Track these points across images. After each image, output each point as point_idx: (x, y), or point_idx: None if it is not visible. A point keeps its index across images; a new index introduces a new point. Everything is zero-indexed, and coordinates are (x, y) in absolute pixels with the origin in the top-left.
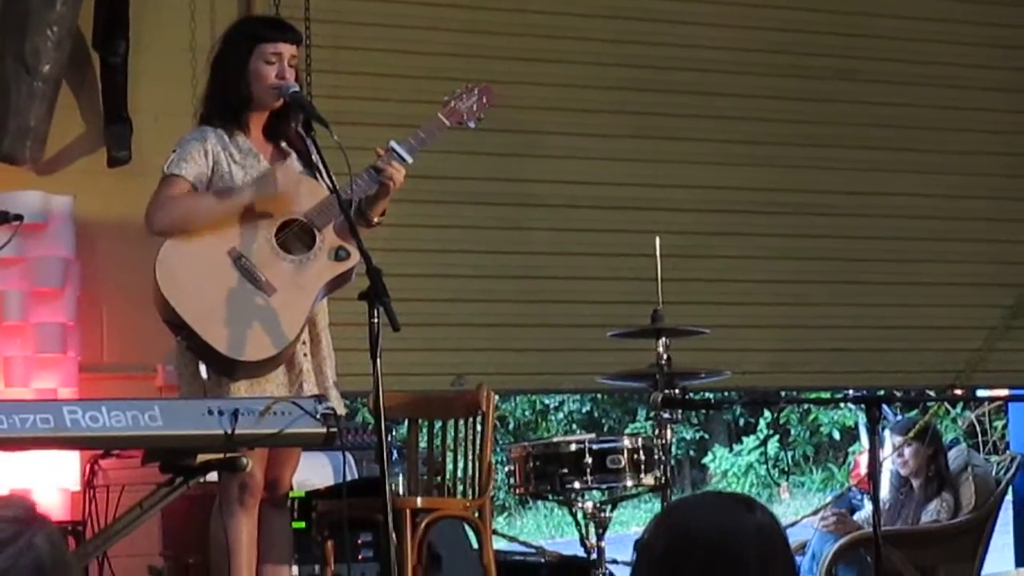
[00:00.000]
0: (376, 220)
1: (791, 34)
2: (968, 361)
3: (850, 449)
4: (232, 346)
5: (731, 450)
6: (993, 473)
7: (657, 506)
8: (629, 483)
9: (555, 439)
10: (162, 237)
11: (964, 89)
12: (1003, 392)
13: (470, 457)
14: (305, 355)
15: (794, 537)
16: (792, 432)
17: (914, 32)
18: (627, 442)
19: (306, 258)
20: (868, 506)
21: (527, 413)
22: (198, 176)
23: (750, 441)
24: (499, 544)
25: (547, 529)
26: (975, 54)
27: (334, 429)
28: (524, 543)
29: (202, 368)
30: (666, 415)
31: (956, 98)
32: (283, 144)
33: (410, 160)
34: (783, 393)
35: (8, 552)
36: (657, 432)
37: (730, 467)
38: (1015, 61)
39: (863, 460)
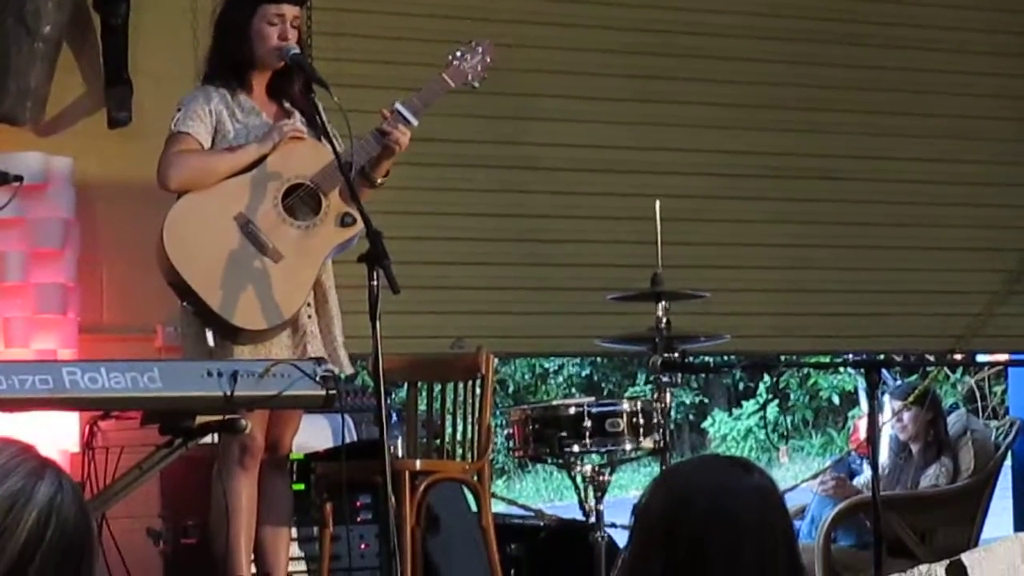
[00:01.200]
0: (380, 181)
1: None
2: (968, 326)
3: (849, 414)
4: (238, 313)
5: (730, 414)
6: (992, 438)
7: (656, 470)
8: (628, 447)
9: (554, 402)
10: (177, 192)
11: (965, 54)
12: (1003, 357)
13: (469, 420)
14: (310, 316)
15: (793, 501)
16: (792, 396)
17: None
18: (626, 405)
19: (312, 224)
20: (867, 471)
21: (526, 376)
22: (204, 133)
23: (749, 405)
24: (498, 507)
25: (546, 492)
26: (977, 18)
27: (333, 391)
28: (523, 506)
29: (208, 334)
30: (665, 379)
31: (957, 62)
32: (286, 104)
33: (415, 122)
34: (783, 357)
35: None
36: (656, 396)
37: (729, 431)
38: (1017, 25)
39: (862, 425)
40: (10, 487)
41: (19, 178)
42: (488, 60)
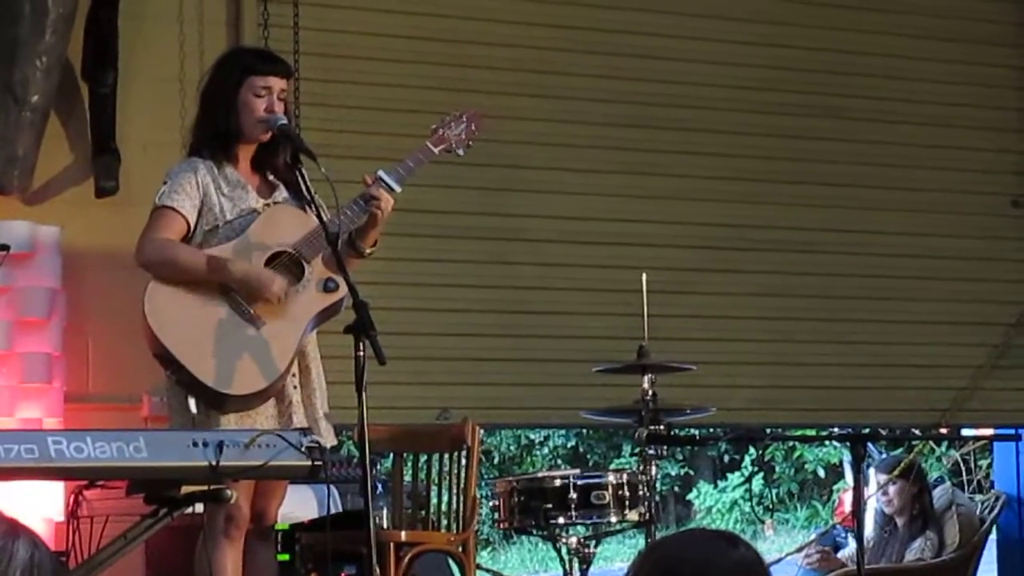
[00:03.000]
0: (368, 251)
1: (777, 71)
2: (954, 400)
3: (835, 486)
4: (221, 380)
5: (716, 486)
6: (978, 512)
7: (641, 542)
8: (614, 519)
9: (540, 474)
10: (144, 270)
11: (949, 128)
12: (988, 431)
13: (455, 491)
14: (295, 387)
15: (779, 574)
16: (777, 469)
17: (900, 71)
18: (612, 478)
19: (295, 289)
20: (852, 544)
21: (512, 447)
22: (190, 207)
23: (735, 477)
24: None
25: (531, 564)
26: (961, 93)
27: (319, 462)
28: None
29: (191, 402)
30: (651, 451)
31: (941, 137)
32: (270, 176)
33: (398, 189)
34: (768, 430)
35: None
36: (642, 468)
37: (715, 503)
38: (1000, 101)
39: (847, 497)
40: None
41: (5, 247)
42: (474, 129)
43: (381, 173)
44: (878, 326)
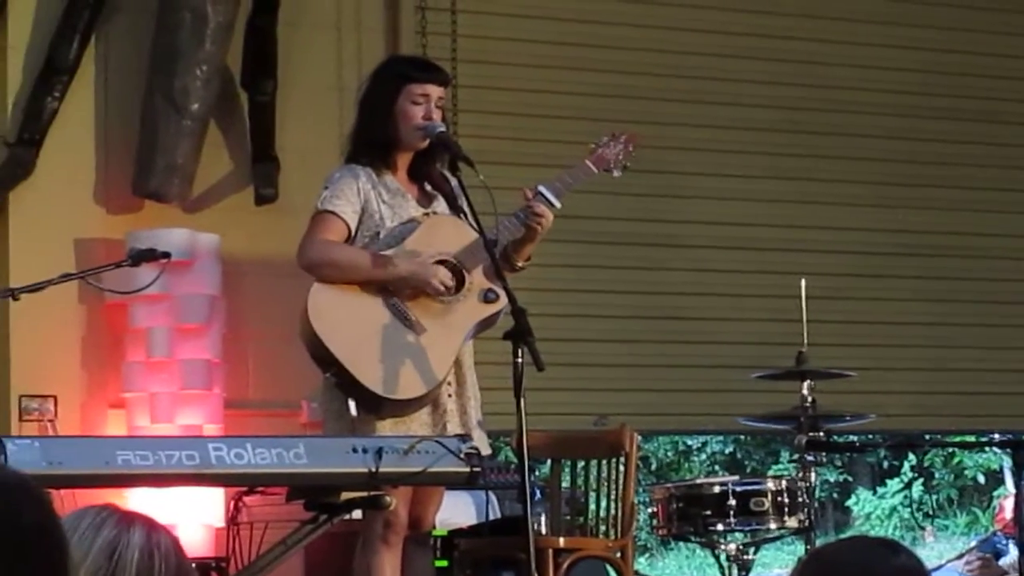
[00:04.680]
0: (520, 265)
1: (935, 76)
2: None
3: (995, 493)
4: (382, 383)
5: (875, 493)
6: None
7: (800, 549)
8: (772, 525)
9: (698, 480)
10: (307, 274)
11: None
12: None
13: (612, 497)
14: (450, 395)
15: None
16: (936, 475)
17: None
18: (771, 484)
19: (455, 299)
20: (1013, 551)
21: (669, 453)
22: (351, 213)
23: (894, 484)
24: None
25: (689, 570)
26: None
27: (477, 468)
28: None
29: (351, 405)
30: (810, 458)
31: None
32: (428, 187)
33: (558, 204)
34: (927, 436)
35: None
36: (801, 474)
37: (873, 510)
38: None
39: (1008, 504)
40: (106, 537)
41: (166, 254)
42: (630, 149)
43: (541, 188)
44: None
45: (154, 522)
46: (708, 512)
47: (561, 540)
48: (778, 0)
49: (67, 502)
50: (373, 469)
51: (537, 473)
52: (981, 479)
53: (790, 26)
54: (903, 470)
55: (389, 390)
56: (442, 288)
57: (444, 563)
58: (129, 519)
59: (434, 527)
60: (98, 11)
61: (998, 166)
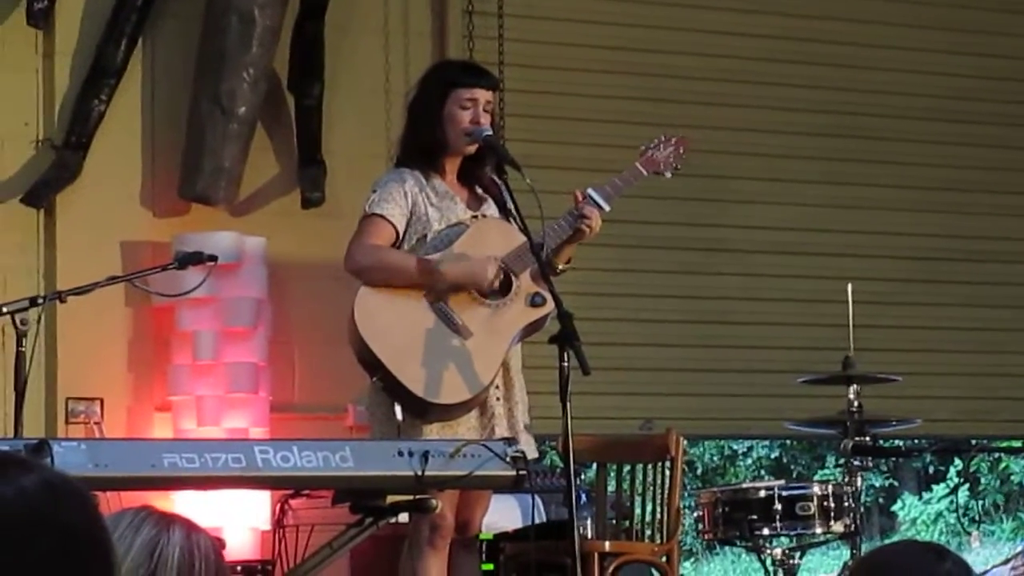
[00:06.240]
0: (561, 268)
1: (985, 81)
2: None
3: None
4: (427, 388)
5: (920, 498)
6: None
7: (846, 554)
8: (819, 530)
9: (744, 485)
10: (355, 277)
11: None
12: None
13: (658, 501)
14: (498, 399)
15: None
16: (982, 480)
17: None
18: (817, 489)
19: (502, 303)
20: None
21: (715, 458)
22: (399, 216)
23: (940, 489)
24: None
25: (734, 575)
26: None
27: (523, 472)
28: None
29: (397, 409)
30: (856, 462)
31: None
32: (478, 190)
33: (607, 208)
34: (974, 441)
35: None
36: (847, 479)
37: (919, 515)
38: None
39: None
40: (146, 535)
41: (213, 258)
42: (681, 152)
43: (591, 191)
44: None
45: (192, 523)
46: (754, 516)
47: (607, 544)
48: (828, 5)
49: (113, 504)
50: (419, 472)
51: (583, 477)
52: None
53: (835, 30)
54: (949, 475)
55: (434, 394)
56: (496, 284)
57: (490, 567)
58: (168, 519)
59: (480, 531)
60: (145, 15)
61: None
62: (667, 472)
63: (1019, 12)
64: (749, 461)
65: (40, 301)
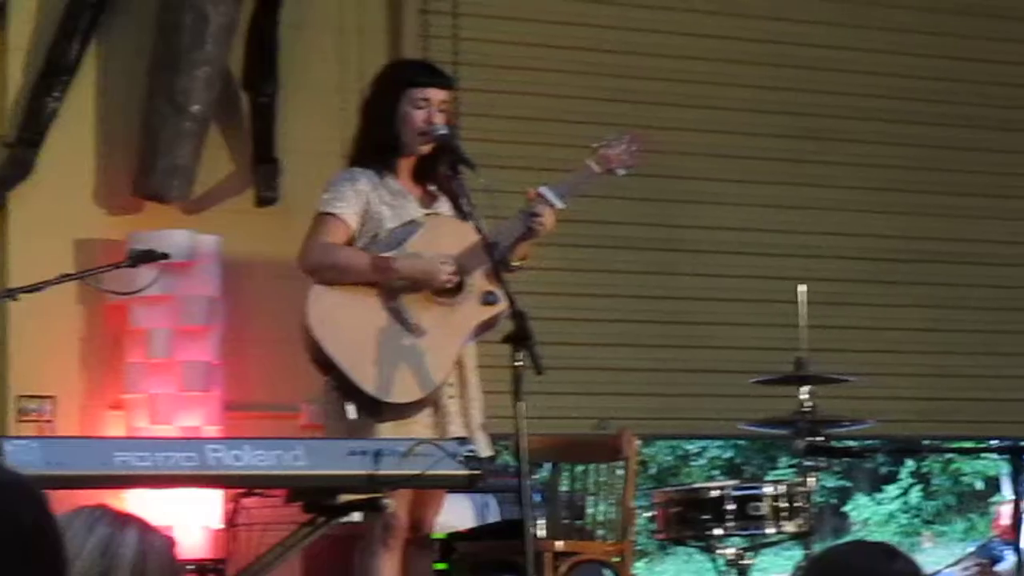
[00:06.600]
0: (516, 264)
1: (944, 83)
2: None
3: (992, 499)
4: (380, 387)
5: (872, 498)
6: None
7: (799, 554)
8: (771, 530)
9: (697, 485)
10: (308, 276)
11: None
12: None
13: (612, 501)
14: (451, 397)
15: None
16: (934, 481)
17: None
18: (770, 489)
19: (455, 302)
20: (1011, 557)
21: (669, 458)
22: (352, 214)
23: (892, 489)
24: None
25: (687, 575)
26: None
27: (477, 472)
28: None
29: (350, 408)
30: (809, 463)
31: None
32: (431, 187)
33: (560, 205)
34: (926, 442)
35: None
36: (800, 479)
37: (871, 515)
38: None
39: (1006, 511)
40: (100, 535)
41: (165, 255)
42: (635, 150)
43: (544, 189)
44: None
45: (147, 523)
46: (707, 516)
47: (560, 544)
48: (785, 6)
49: (65, 503)
50: (372, 472)
51: (536, 477)
52: (979, 485)
53: (795, 32)
54: (901, 476)
55: (386, 393)
56: (450, 282)
57: (443, 566)
58: (123, 519)
59: (433, 530)
60: (99, 11)
61: (1000, 173)
62: (621, 472)
63: (976, 15)
64: (703, 461)
65: None
